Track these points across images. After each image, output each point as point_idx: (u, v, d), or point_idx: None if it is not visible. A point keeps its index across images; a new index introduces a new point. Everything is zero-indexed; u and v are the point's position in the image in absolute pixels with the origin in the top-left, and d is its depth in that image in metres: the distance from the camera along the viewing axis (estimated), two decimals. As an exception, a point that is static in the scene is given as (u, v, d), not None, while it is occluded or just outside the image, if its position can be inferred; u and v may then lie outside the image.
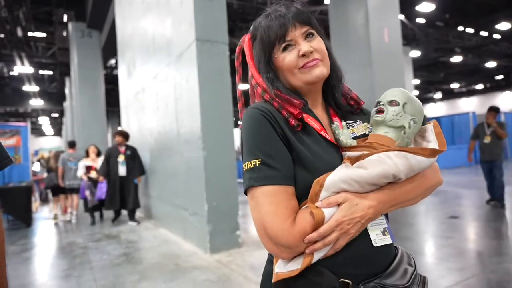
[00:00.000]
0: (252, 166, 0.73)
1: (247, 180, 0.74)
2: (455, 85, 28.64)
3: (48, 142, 36.12)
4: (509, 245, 3.79)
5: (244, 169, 0.75)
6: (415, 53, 16.46)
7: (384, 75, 5.95)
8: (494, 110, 5.60)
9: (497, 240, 3.97)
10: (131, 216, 6.15)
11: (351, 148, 0.77)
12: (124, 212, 6.51)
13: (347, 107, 0.90)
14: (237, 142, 8.66)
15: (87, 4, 11.67)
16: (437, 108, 34.75)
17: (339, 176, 0.70)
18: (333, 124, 0.82)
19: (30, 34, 13.00)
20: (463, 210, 5.58)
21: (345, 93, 0.90)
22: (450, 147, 12.57)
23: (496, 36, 15.88)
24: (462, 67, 21.55)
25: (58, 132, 36.10)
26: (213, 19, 4.16)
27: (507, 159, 5.48)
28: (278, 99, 0.79)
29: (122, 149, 6.21)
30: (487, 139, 5.53)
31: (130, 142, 6.54)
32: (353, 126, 0.86)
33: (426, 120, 0.82)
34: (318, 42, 0.81)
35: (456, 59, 18.81)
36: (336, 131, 0.81)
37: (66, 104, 21.11)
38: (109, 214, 6.83)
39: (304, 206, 0.72)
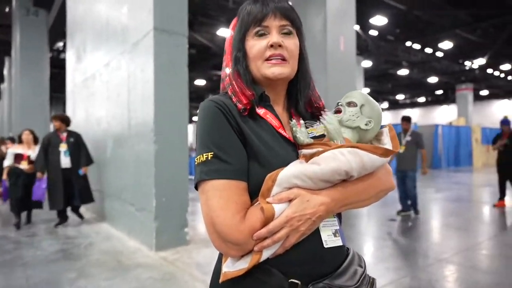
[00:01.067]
0: (204, 159, 0.71)
1: (198, 173, 0.72)
2: (400, 96, 30.62)
3: (-20, 126, 32.87)
4: (438, 248, 4.11)
5: (196, 163, 0.73)
6: (367, 63, 17.31)
7: (337, 81, 6.17)
8: (406, 119, 5.78)
9: (427, 243, 4.30)
10: (75, 211, 5.39)
11: (307, 146, 0.77)
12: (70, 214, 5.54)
13: (308, 115, 0.89)
14: (190, 138, 8.50)
15: (35, -21, 10.80)
16: (383, 117, 36.78)
17: (292, 171, 0.69)
18: (291, 121, 0.82)
19: (-35, 5, 11.75)
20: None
21: (312, 100, 0.89)
22: (393, 154, 13.36)
23: (439, 54, 17.21)
24: (408, 80, 23.07)
25: (-8, 115, 32.98)
26: (173, 9, 4.04)
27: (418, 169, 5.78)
28: (234, 82, 0.80)
29: (63, 136, 5.23)
30: (401, 149, 5.66)
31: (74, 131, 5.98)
32: (312, 126, 0.85)
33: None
34: (291, 42, 0.80)
35: (403, 72, 20.10)
36: (294, 128, 0.80)
37: (4, 86, 19.35)
38: (38, 215, 5.77)
39: (256, 203, 0.71)
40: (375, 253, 3.92)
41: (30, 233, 4.80)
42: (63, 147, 5.18)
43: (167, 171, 3.94)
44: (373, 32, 14.07)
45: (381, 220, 5.48)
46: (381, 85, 24.62)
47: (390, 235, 4.65)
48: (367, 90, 24.88)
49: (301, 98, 0.86)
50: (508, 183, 6.27)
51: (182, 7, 4.12)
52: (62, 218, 5.22)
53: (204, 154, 0.72)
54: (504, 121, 6.43)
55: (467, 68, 19.63)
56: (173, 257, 3.62)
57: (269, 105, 0.83)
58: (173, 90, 4.04)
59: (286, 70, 0.79)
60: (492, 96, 29.47)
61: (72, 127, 5.65)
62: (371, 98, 0.82)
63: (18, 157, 5.27)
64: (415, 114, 33.91)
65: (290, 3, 0.84)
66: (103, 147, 5.53)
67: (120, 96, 4.83)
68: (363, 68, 16.76)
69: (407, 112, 34.44)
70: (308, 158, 0.73)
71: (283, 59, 0.78)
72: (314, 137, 0.82)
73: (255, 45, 0.80)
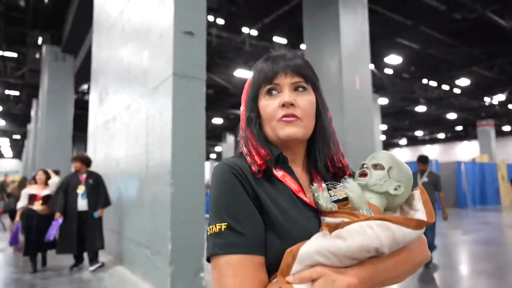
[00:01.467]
0: (217, 230, 0.66)
1: (210, 246, 0.67)
2: (419, 133, 30.24)
3: (6, 165, 34.07)
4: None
5: (208, 233, 0.68)
6: (383, 101, 17.35)
7: (354, 119, 6.16)
8: (422, 159, 5.42)
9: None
10: (92, 259, 5.00)
11: (330, 213, 0.70)
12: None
13: (329, 175, 0.82)
14: (207, 176, 8.49)
15: (64, 28, 11.56)
16: (402, 153, 36.23)
17: (315, 247, 0.62)
18: (313, 185, 0.75)
19: (0, 53, 12.60)
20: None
21: (335, 159, 0.83)
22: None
23: (456, 91, 17.11)
24: (426, 117, 22.87)
25: (18, 155, 34.27)
26: (192, 55, 4.18)
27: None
28: (248, 142, 0.76)
29: (83, 177, 5.12)
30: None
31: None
32: (335, 188, 0.79)
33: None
34: (305, 99, 0.76)
35: (420, 108, 19.99)
36: (316, 194, 0.73)
37: (31, 126, 20.22)
38: (55, 258, 5.42)
39: (274, 280, 0.64)
40: None
41: (45, 276, 4.74)
42: (80, 189, 5.05)
43: (183, 213, 3.89)
44: (388, 71, 14.22)
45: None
46: (399, 121, 24.47)
47: (412, 280, 4.36)
48: (385, 127, 24.75)
49: (320, 158, 0.80)
50: None
51: (201, 53, 4.26)
52: (78, 261, 5.13)
53: (218, 225, 0.67)
54: None
55: (486, 104, 19.37)
56: (187, 305, 3.47)
57: (288, 166, 0.78)
58: (190, 132, 4.09)
59: (299, 130, 0.75)
60: (515, 132, 28.72)
61: (92, 168, 5.69)
62: (399, 160, 0.76)
63: (32, 198, 5.08)
64: (435, 150, 33.21)
65: (303, 59, 0.81)
66: (121, 188, 5.57)
67: (139, 138, 4.92)
68: (380, 105, 16.77)
69: (427, 148, 33.83)
70: (332, 228, 0.66)
71: (296, 118, 0.74)
72: (337, 200, 0.76)
73: (268, 106, 0.76)
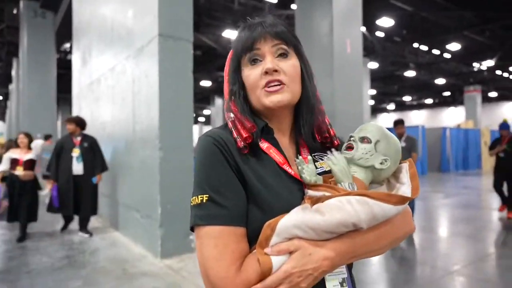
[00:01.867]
0: (199, 202, 0.66)
1: (192, 217, 0.67)
2: (407, 98, 30.39)
3: (-11, 126, 33.23)
4: (447, 258, 4.02)
5: (191, 204, 0.68)
6: (373, 65, 17.19)
7: (344, 84, 6.10)
8: (399, 122, 5.42)
9: (436, 253, 4.22)
10: (83, 226, 4.94)
11: (314, 186, 0.70)
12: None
13: (318, 145, 0.81)
14: (196, 140, 8.48)
15: (42, -18, 10.87)
16: (390, 119, 36.60)
17: (294, 220, 0.62)
18: (297, 158, 0.74)
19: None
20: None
21: (321, 128, 0.81)
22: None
23: (447, 55, 17.03)
24: (414, 82, 22.88)
25: (1, 116, 33.35)
26: (179, 14, 4.00)
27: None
28: (232, 115, 0.74)
29: (77, 140, 4.91)
30: None
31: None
32: (322, 160, 0.78)
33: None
34: (289, 64, 0.73)
35: (410, 73, 19.94)
36: (300, 167, 0.72)
37: (12, 86, 19.53)
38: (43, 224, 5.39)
39: (254, 251, 0.64)
40: (381, 264, 3.85)
41: (36, 239, 4.79)
42: (75, 152, 4.85)
43: (172, 177, 3.91)
44: (380, 34, 13.97)
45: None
46: (388, 86, 24.44)
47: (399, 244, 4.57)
48: (373, 91, 24.74)
49: (305, 125, 0.78)
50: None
51: (188, 12, 4.08)
52: (67, 222, 5.17)
53: (199, 196, 0.67)
54: (503, 125, 6.11)
55: (475, 69, 19.42)
56: (178, 265, 3.58)
57: (273, 138, 0.76)
58: (178, 96, 4.00)
59: (285, 96, 0.72)
60: (501, 98, 29.14)
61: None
62: (388, 132, 0.75)
63: (14, 162, 4.78)
64: (422, 116, 33.63)
65: (284, 24, 0.77)
66: (109, 152, 5.52)
67: (125, 101, 4.81)
68: (370, 69, 16.64)
69: (414, 114, 34.20)
70: (314, 201, 0.66)
71: (282, 84, 0.72)
72: (324, 172, 0.75)
73: (250, 75, 0.74)
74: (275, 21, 0.76)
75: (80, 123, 5.04)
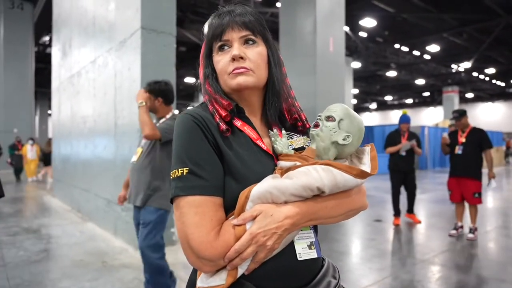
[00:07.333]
0: (179, 174, 0.71)
1: (173, 189, 0.71)
2: (388, 98, 31.01)
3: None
4: (421, 249, 4.19)
5: (171, 177, 0.73)
6: (356, 64, 17.47)
7: (326, 82, 6.21)
8: (404, 120, 5.30)
9: (412, 244, 4.38)
10: None
11: (286, 156, 0.77)
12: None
13: (288, 126, 0.88)
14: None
15: (20, -28, 10.56)
16: (372, 118, 37.26)
17: (266, 186, 0.69)
18: (272, 131, 0.81)
19: None
20: (386, 214, 6.04)
21: (292, 110, 0.88)
22: (380, 155, 13.54)
23: (426, 57, 17.47)
24: (396, 82, 23.38)
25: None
26: (161, 8, 4.00)
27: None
28: (209, 97, 0.80)
29: None
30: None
31: (60, 129, 5.86)
32: (292, 138, 0.85)
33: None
34: (255, 51, 0.79)
35: (391, 73, 20.36)
36: (273, 138, 0.79)
37: (-13, 80, 18.88)
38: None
39: (230, 218, 0.71)
40: (360, 254, 3.97)
41: (12, 232, 4.70)
42: None
43: (153, 171, 3.90)
44: (363, 34, 14.21)
45: (366, 221, 5.55)
46: (370, 86, 24.89)
47: (375, 235, 4.72)
48: (356, 91, 25.13)
49: (271, 108, 0.84)
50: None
51: (171, 6, 4.08)
52: None
53: (180, 169, 0.71)
54: (404, 118, 5.35)
55: (453, 71, 19.99)
56: (158, 258, 3.59)
57: (246, 116, 0.83)
58: (160, 90, 3.99)
59: (250, 79, 0.78)
60: (477, 99, 30.12)
61: (58, 125, 5.50)
62: (352, 112, 0.82)
63: None
64: (402, 115, 34.32)
65: (252, 12, 0.82)
66: (89, 146, 5.46)
67: (106, 95, 4.77)
68: (353, 69, 16.91)
69: (395, 113, 34.89)
70: (284, 171, 0.73)
71: (246, 70, 0.77)
72: (293, 150, 0.82)
73: (220, 61, 0.80)
74: (244, 10, 0.81)
75: None
